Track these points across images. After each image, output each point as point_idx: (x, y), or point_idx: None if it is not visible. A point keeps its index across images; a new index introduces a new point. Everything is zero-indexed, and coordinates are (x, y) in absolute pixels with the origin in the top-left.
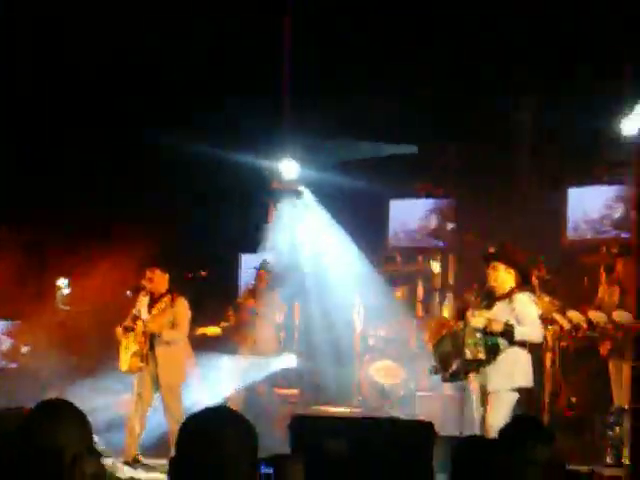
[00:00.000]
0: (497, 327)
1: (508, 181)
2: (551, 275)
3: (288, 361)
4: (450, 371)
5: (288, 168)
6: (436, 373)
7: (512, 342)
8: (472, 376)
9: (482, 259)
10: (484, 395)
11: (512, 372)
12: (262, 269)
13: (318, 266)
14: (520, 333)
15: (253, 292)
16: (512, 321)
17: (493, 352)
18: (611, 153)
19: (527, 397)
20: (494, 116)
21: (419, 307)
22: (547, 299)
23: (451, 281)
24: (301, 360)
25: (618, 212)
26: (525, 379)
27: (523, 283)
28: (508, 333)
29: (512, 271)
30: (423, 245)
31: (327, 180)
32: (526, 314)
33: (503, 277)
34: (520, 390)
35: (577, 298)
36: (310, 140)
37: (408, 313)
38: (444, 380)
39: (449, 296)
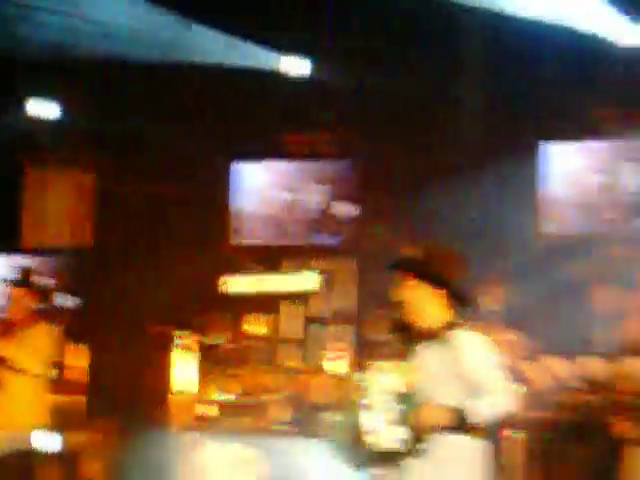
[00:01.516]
0: (440, 420)
1: (444, 142)
2: (516, 297)
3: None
4: (358, 461)
5: None
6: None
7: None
8: (380, 476)
9: (396, 275)
10: None
11: (458, 472)
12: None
13: None
14: (483, 413)
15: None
16: (454, 385)
17: (421, 439)
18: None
19: None
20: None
21: (277, 352)
22: (510, 337)
23: (343, 305)
24: None
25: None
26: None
27: (463, 313)
28: (463, 425)
29: (441, 293)
30: (293, 243)
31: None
32: (482, 369)
33: (424, 304)
34: None
35: (565, 336)
36: None
37: (264, 360)
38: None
39: (345, 330)
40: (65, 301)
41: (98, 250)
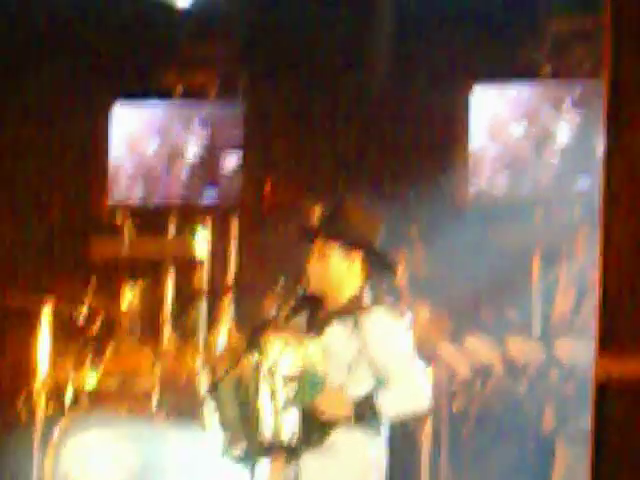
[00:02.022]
0: (336, 410)
1: (346, 81)
2: (435, 267)
3: None
4: (235, 451)
5: None
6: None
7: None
8: (271, 470)
9: (296, 233)
10: None
11: (351, 468)
12: None
13: None
14: (392, 408)
15: None
16: (364, 370)
17: (317, 430)
18: None
19: None
20: None
21: (163, 325)
22: (428, 315)
23: (232, 274)
24: None
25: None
26: None
27: (380, 283)
28: (363, 418)
29: (357, 257)
30: (171, 200)
31: None
32: (394, 358)
33: (336, 271)
34: None
35: (487, 311)
36: None
37: (142, 336)
38: (227, 457)
39: (226, 306)
40: None
41: None
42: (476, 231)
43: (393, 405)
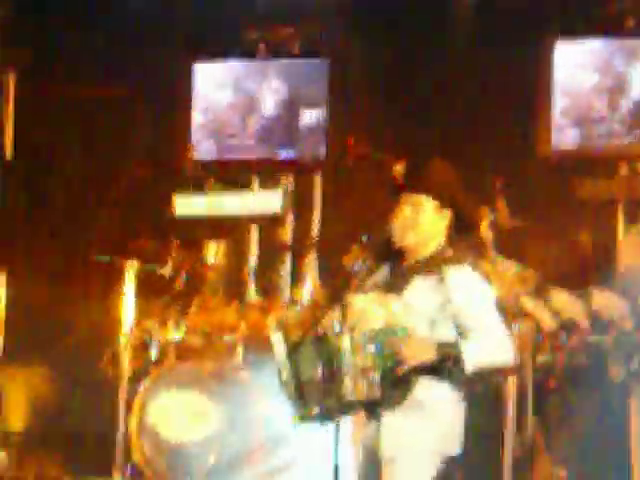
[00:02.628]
0: (419, 354)
1: (430, 38)
2: (519, 222)
3: None
4: (312, 411)
5: None
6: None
7: (453, 377)
8: (354, 427)
9: (387, 188)
10: (374, 465)
11: (434, 426)
12: None
13: None
14: (476, 358)
15: None
16: (447, 325)
17: (400, 386)
18: None
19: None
20: None
21: (247, 282)
22: (511, 269)
23: (314, 232)
24: None
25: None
26: (456, 439)
27: (463, 239)
28: (448, 364)
29: (446, 214)
30: (252, 156)
31: None
32: (477, 311)
33: (428, 225)
34: (447, 460)
35: (571, 265)
36: None
37: (228, 292)
38: (299, 422)
39: (310, 261)
40: None
41: (22, 161)
42: (559, 184)
43: (476, 355)
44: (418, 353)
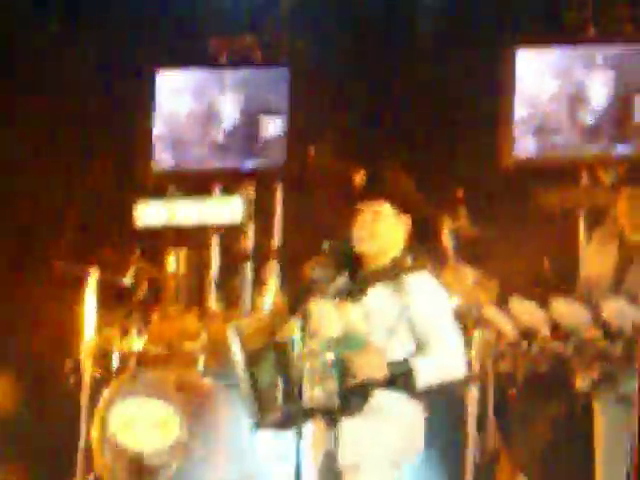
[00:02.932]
0: (371, 370)
1: (397, 41)
2: (479, 228)
3: None
4: (270, 417)
5: None
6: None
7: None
8: (314, 434)
9: (343, 195)
10: (334, 473)
11: (393, 432)
12: None
13: None
14: (427, 375)
15: None
16: (405, 333)
17: (358, 394)
18: None
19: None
20: None
21: (208, 290)
22: (471, 276)
23: (276, 240)
24: None
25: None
26: (416, 446)
27: (423, 246)
28: (398, 381)
29: (405, 222)
30: (213, 165)
31: None
32: (433, 321)
33: (388, 232)
34: (407, 470)
35: (532, 274)
36: None
37: (189, 301)
38: (255, 428)
39: (271, 269)
40: None
41: None
42: (520, 194)
43: (428, 372)
44: (370, 369)
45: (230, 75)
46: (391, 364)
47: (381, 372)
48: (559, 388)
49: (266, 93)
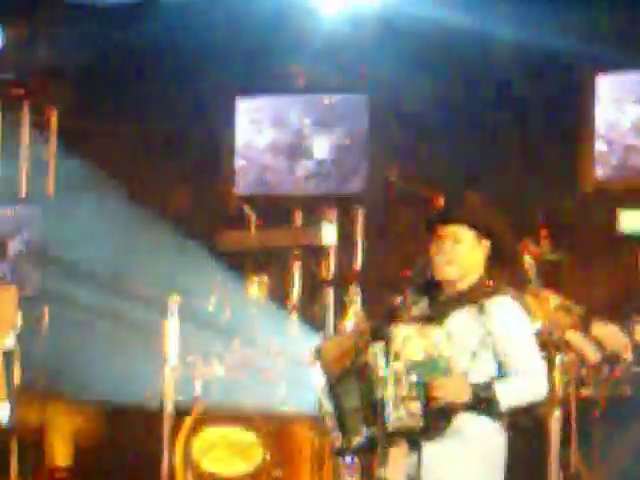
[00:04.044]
0: (454, 396)
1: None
2: (562, 253)
3: None
4: (354, 441)
5: None
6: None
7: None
8: (393, 459)
9: (425, 221)
10: None
11: (475, 457)
12: None
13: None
14: (509, 398)
15: None
16: (488, 357)
17: (440, 414)
18: None
19: None
20: None
21: (293, 315)
22: (554, 301)
23: (357, 265)
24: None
25: None
26: (498, 471)
27: (503, 271)
28: (482, 404)
29: (485, 245)
30: (298, 192)
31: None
32: (515, 344)
33: (468, 257)
34: None
35: (615, 299)
36: None
37: (271, 327)
38: (340, 453)
39: (354, 295)
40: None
41: (60, 201)
42: (602, 217)
43: (510, 396)
44: (453, 393)
45: (311, 101)
46: (474, 386)
47: (465, 396)
48: None
49: (347, 120)
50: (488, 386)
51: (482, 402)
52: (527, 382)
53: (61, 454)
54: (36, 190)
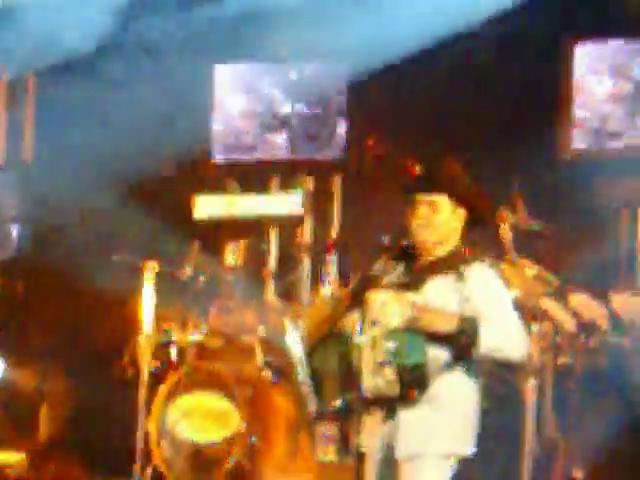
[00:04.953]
0: (441, 323)
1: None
2: (539, 222)
3: None
4: (331, 407)
5: None
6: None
7: (464, 357)
8: (369, 426)
9: (401, 188)
10: (389, 465)
11: (448, 423)
12: None
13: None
14: (489, 340)
15: None
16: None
17: (416, 381)
18: None
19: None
20: None
21: (269, 283)
22: (530, 270)
23: (334, 232)
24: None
25: None
26: (470, 438)
27: (480, 238)
28: (464, 338)
29: (461, 213)
30: (272, 157)
31: None
32: (494, 305)
33: (445, 225)
34: (464, 461)
35: (591, 269)
36: None
37: (248, 294)
38: (317, 419)
39: (331, 261)
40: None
41: (39, 165)
42: (579, 185)
43: (490, 339)
44: (439, 320)
45: (290, 68)
46: (460, 319)
47: (450, 326)
48: (618, 382)
49: (325, 89)
50: (473, 321)
51: (464, 336)
52: (507, 336)
53: (35, 423)
54: (13, 156)
